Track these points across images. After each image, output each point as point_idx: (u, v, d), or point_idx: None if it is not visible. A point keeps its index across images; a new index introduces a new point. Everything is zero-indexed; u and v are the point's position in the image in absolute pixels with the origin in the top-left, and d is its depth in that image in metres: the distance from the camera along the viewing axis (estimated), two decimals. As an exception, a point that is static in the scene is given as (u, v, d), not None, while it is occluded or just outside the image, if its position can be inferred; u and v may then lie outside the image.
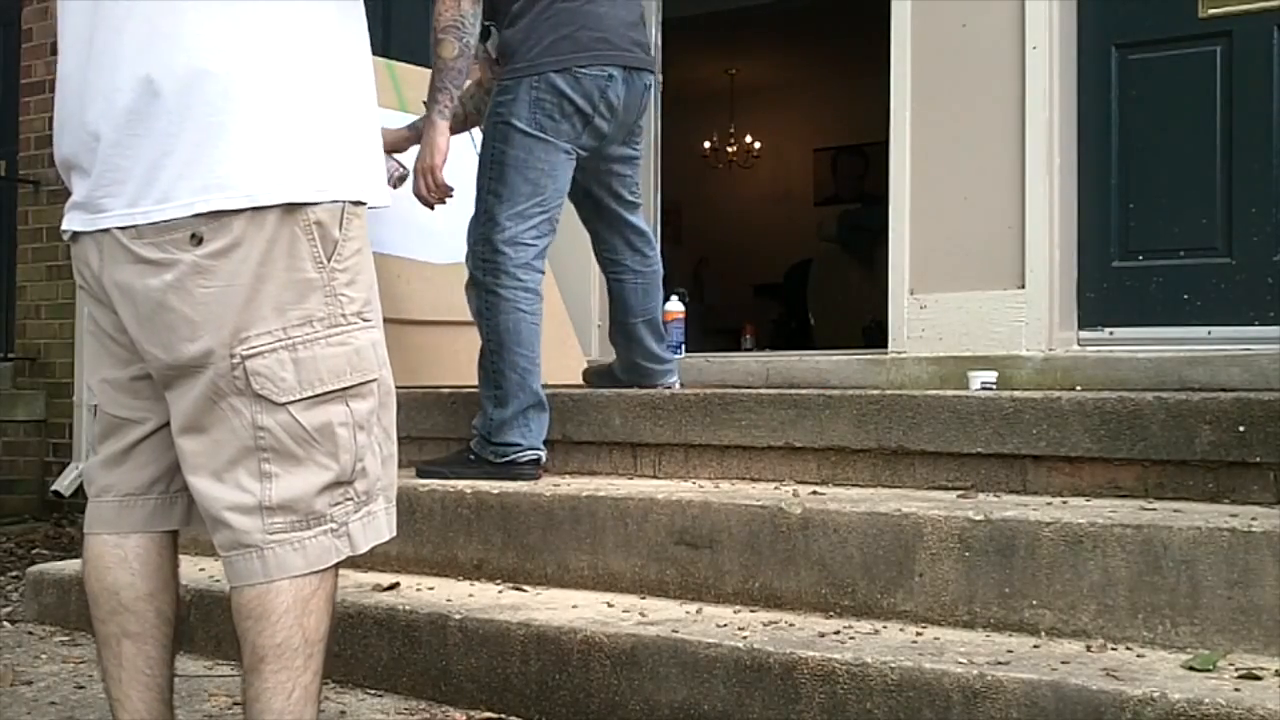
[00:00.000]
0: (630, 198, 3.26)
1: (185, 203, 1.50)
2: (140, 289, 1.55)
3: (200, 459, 1.59)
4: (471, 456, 3.01)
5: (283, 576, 1.57)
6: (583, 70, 2.95)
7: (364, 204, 1.62)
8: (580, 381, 3.77)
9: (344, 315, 1.58)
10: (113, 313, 1.65)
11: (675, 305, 4.13)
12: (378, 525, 1.64)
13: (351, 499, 1.60)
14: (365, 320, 1.62)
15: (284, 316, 1.54)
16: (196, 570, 3.07)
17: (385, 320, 3.68)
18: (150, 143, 1.51)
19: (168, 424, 1.66)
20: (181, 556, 3.25)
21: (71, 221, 1.63)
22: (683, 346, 4.14)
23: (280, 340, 1.54)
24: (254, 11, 1.53)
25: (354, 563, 2.99)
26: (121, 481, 1.78)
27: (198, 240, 1.51)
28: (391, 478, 1.68)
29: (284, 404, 1.54)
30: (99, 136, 1.55)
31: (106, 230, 1.56)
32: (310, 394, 1.56)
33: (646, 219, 3.43)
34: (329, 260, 1.56)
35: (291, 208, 1.53)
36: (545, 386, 3.06)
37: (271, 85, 1.53)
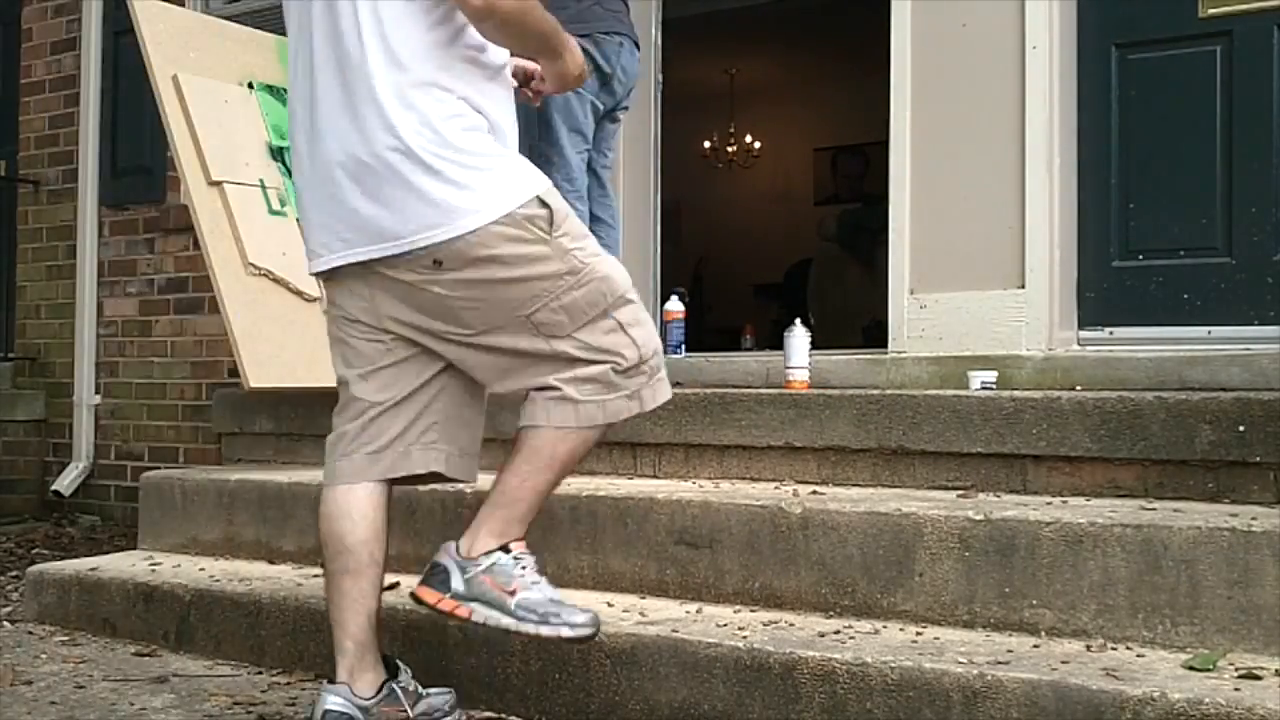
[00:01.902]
0: (608, 161, 3.80)
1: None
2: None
3: (513, 374, 2.11)
4: None
5: (566, 427, 2.07)
6: (603, 35, 3.44)
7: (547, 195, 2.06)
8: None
9: (579, 263, 2.06)
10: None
11: (675, 305, 4.13)
12: (664, 385, 2.16)
13: (645, 373, 2.11)
14: (594, 254, 2.09)
15: (533, 285, 2.03)
16: (196, 570, 3.07)
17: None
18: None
19: (404, 398, 2.17)
20: (181, 557, 3.27)
21: None
22: (682, 346, 4.13)
23: (543, 302, 2.04)
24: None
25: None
26: (365, 444, 2.19)
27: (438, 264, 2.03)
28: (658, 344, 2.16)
29: (566, 335, 2.05)
30: None
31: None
32: (581, 322, 2.06)
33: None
34: (550, 233, 2.04)
35: (505, 216, 2.01)
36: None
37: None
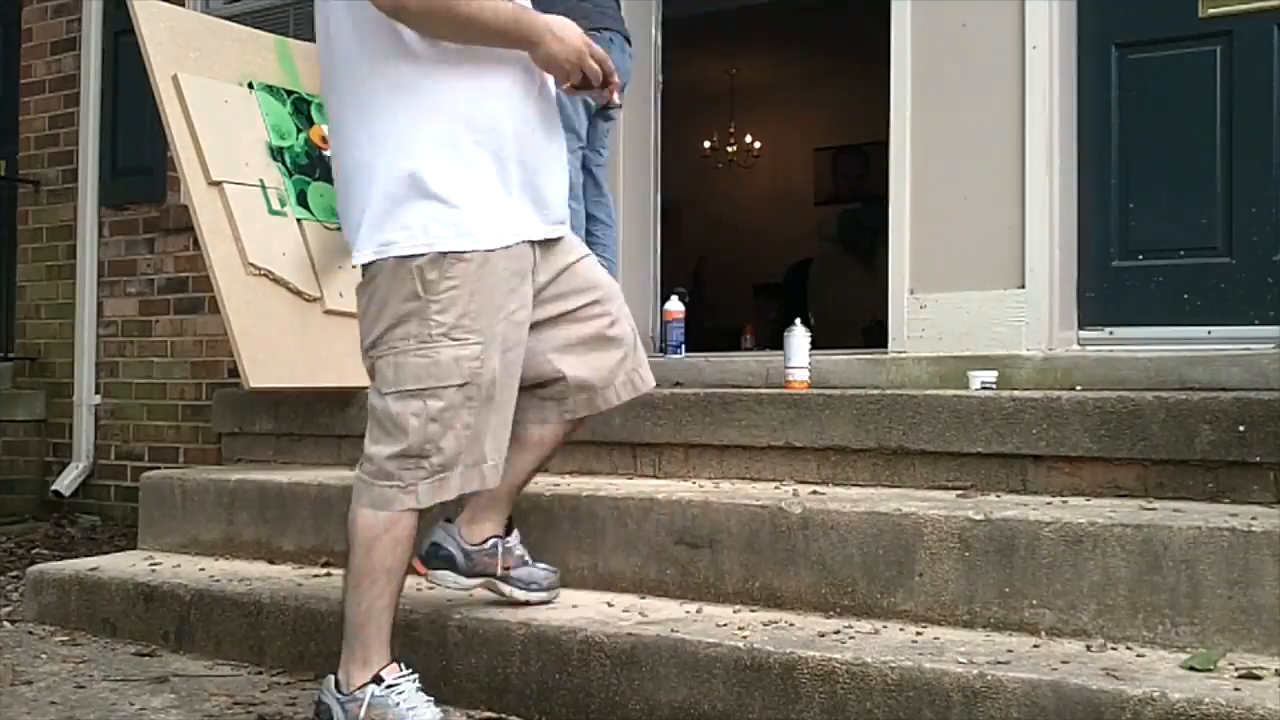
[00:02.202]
0: (603, 159, 3.80)
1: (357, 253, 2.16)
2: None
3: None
4: None
5: (359, 505, 2.14)
6: (593, 32, 3.25)
7: (468, 252, 2.09)
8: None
9: (430, 335, 2.09)
10: None
11: (675, 305, 4.13)
12: (449, 486, 2.14)
13: (424, 469, 2.11)
14: (453, 340, 2.09)
15: (393, 332, 2.11)
16: (197, 570, 3.07)
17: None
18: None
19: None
20: (181, 557, 3.27)
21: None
22: (682, 346, 4.13)
23: (391, 349, 2.11)
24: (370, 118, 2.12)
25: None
26: None
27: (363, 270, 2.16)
28: (482, 449, 2.16)
29: (385, 394, 2.11)
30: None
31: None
32: (398, 389, 2.10)
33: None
34: (425, 293, 2.08)
35: (401, 259, 2.08)
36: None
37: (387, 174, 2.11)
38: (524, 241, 2.18)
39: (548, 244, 2.27)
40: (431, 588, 2.72)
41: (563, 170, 2.29)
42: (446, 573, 2.43)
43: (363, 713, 2.09)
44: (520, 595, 2.49)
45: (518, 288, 2.18)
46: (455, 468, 2.13)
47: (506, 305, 2.15)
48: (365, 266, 2.15)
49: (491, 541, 2.44)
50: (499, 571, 2.46)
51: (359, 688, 2.11)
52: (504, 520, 2.47)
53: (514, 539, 2.49)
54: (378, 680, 2.11)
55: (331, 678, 2.17)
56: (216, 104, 3.53)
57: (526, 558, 2.51)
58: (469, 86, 2.10)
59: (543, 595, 2.51)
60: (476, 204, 2.10)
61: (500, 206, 2.14)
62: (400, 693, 2.11)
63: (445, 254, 2.08)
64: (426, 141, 2.08)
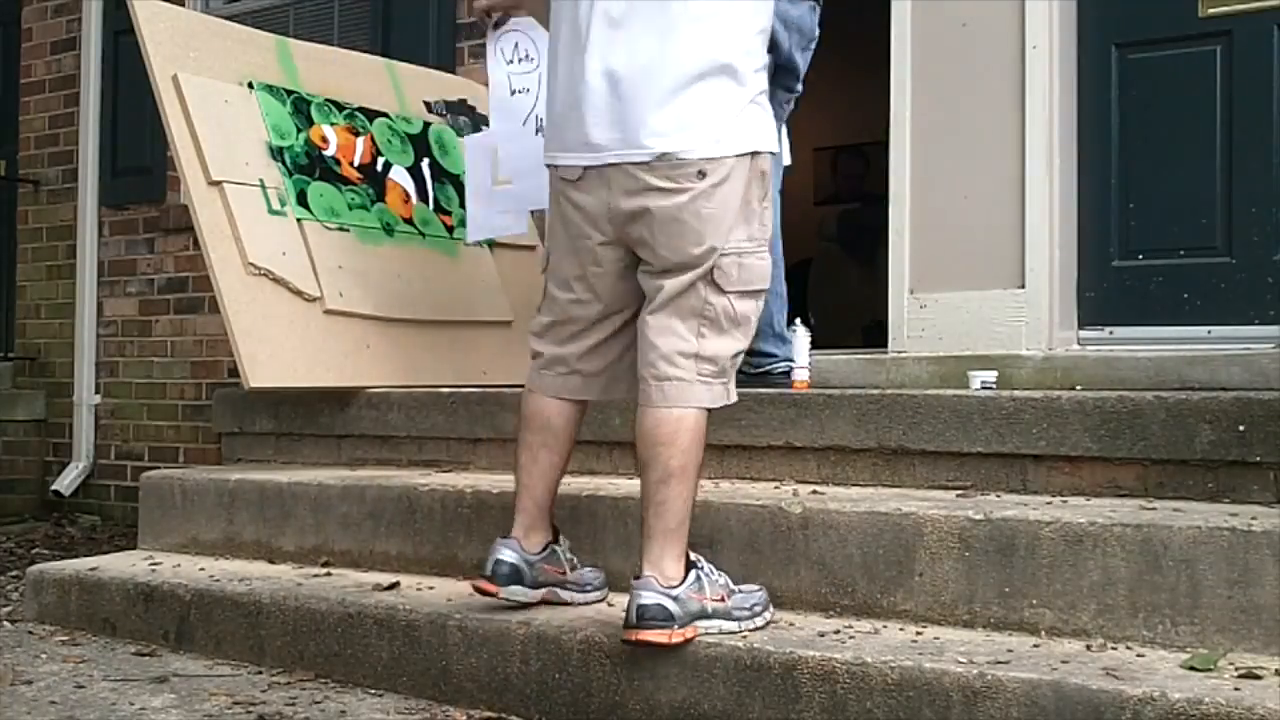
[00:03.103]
0: None
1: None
2: (657, 209, 2.23)
3: (663, 321, 2.25)
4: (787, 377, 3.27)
5: (696, 405, 2.22)
6: None
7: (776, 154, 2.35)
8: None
9: (766, 240, 2.29)
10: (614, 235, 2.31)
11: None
12: (732, 388, 2.31)
13: (735, 367, 2.29)
14: (766, 244, 2.30)
15: (740, 234, 2.24)
16: (196, 570, 3.07)
17: (385, 320, 3.70)
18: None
19: (621, 329, 2.37)
20: (181, 556, 3.27)
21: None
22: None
23: (737, 249, 2.23)
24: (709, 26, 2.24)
25: (354, 562, 3.00)
26: (586, 366, 2.41)
27: (702, 175, 2.20)
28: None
29: (727, 292, 2.23)
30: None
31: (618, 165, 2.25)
32: (743, 289, 2.25)
33: None
34: (763, 200, 2.27)
35: (754, 155, 2.24)
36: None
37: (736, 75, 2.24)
38: None
39: None
40: (432, 588, 2.73)
41: None
42: (516, 587, 2.38)
43: (709, 590, 2.22)
44: (579, 599, 2.48)
45: None
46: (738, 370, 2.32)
47: None
48: (703, 161, 2.21)
49: (549, 548, 2.44)
50: (562, 578, 2.46)
51: (685, 575, 2.20)
52: (550, 525, 2.46)
53: (564, 542, 2.49)
54: (693, 564, 2.23)
55: (650, 577, 2.16)
56: (216, 104, 3.53)
57: (575, 560, 2.52)
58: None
59: (596, 595, 2.52)
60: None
61: None
62: (708, 569, 2.26)
63: (767, 154, 2.27)
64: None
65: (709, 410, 2.24)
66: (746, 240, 2.24)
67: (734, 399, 2.30)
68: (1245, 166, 3.38)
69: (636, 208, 2.22)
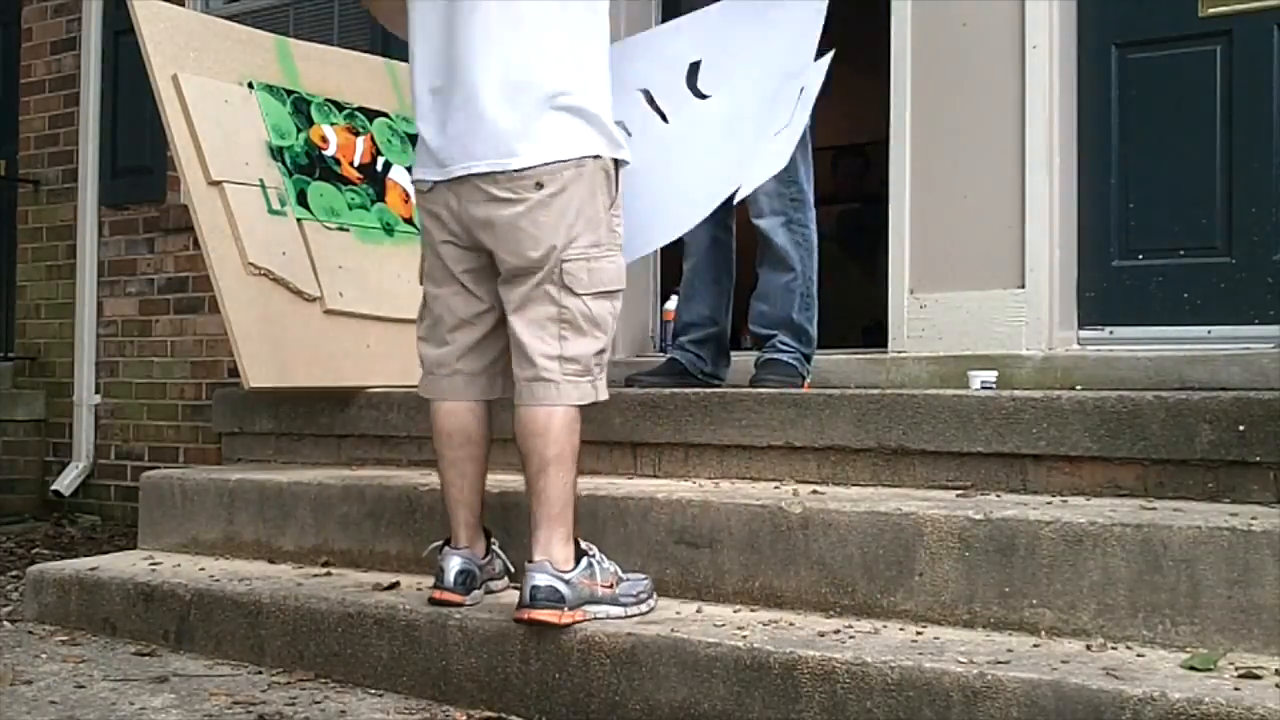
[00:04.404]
0: None
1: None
2: (498, 218, 2.36)
3: (524, 324, 2.38)
4: (799, 376, 3.34)
5: (565, 404, 2.35)
6: None
7: (625, 163, 2.43)
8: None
9: (617, 244, 2.42)
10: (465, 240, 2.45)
11: (675, 305, 4.13)
12: (600, 386, 2.43)
13: (600, 365, 2.41)
14: (617, 247, 2.42)
15: (586, 238, 2.35)
16: (197, 570, 3.07)
17: (385, 320, 3.70)
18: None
19: (495, 328, 2.50)
20: (181, 556, 3.27)
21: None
22: (683, 346, 4.12)
23: (583, 253, 2.35)
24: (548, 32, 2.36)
25: (354, 562, 3.00)
26: (466, 366, 2.53)
27: (540, 185, 2.32)
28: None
29: (580, 294, 2.36)
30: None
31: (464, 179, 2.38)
32: (596, 291, 2.37)
33: None
34: (610, 207, 2.39)
35: (595, 161, 2.35)
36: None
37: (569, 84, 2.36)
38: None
39: None
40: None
41: None
42: (477, 592, 2.54)
43: (599, 577, 2.36)
44: (502, 585, 2.65)
45: None
46: (605, 369, 2.44)
47: None
48: (544, 168, 2.33)
49: (489, 552, 2.62)
50: (502, 575, 2.66)
51: (577, 560, 2.35)
52: (483, 534, 2.61)
53: (495, 541, 2.66)
54: (585, 552, 2.37)
55: (543, 561, 2.32)
56: (216, 104, 3.53)
57: (501, 554, 2.68)
58: None
59: (505, 583, 2.65)
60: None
61: None
62: (599, 557, 2.39)
63: (609, 161, 2.39)
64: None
65: (579, 407, 2.38)
66: (592, 245, 2.36)
67: (604, 396, 2.43)
68: (1245, 166, 3.38)
69: (482, 216, 2.37)
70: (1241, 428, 2.39)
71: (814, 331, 3.45)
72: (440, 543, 2.56)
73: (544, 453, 2.34)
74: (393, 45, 4.64)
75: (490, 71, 2.34)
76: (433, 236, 2.49)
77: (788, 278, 3.43)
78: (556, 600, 2.29)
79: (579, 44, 2.37)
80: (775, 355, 3.35)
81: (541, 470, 2.34)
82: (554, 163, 2.31)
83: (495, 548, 2.64)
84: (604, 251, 2.38)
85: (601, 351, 2.40)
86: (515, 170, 2.31)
